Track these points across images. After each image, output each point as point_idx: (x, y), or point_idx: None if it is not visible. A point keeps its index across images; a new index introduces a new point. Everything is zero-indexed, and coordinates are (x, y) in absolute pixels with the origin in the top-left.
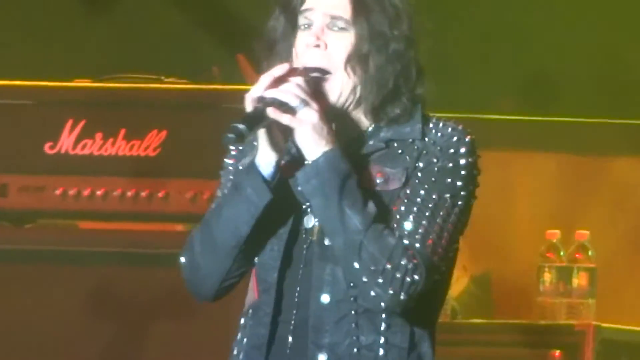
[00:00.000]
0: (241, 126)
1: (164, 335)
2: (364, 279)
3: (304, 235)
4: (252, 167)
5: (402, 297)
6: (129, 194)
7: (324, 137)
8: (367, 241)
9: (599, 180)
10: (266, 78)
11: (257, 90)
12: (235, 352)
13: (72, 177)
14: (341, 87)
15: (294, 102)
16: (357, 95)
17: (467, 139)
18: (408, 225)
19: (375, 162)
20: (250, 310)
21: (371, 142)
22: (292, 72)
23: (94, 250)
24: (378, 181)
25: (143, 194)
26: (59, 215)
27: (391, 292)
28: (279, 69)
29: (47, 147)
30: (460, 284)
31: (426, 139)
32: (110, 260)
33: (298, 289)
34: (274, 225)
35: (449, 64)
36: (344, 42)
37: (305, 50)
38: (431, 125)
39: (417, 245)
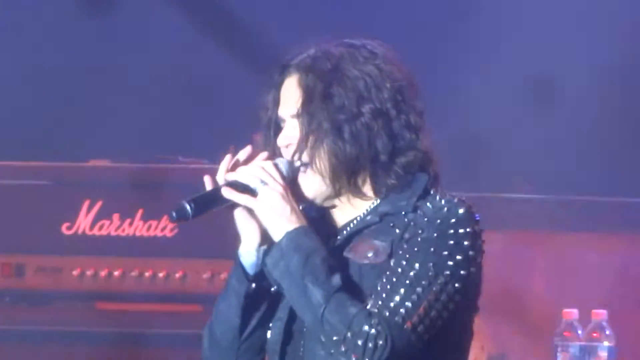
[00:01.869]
0: (188, 206)
1: None
2: (331, 351)
3: None
4: (236, 257)
5: None
6: (147, 274)
7: (285, 217)
8: (328, 313)
9: (610, 258)
10: (228, 161)
11: (218, 173)
12: None
13: (90, 257)
14: (313, 182)
15: (253, 183)
16: (330, 182)
17: (460, 211)
18: (384, 295)
19: (368, 236)
20: None
21: (369, 217)
22: (260, 155)
23: (111, 330)
24: (369, 255)
25: (160, 274)
26: (76, 296)
27: (354, 359)
28: (244, 152)
29: (64, 228)
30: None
31: (418, 212)
32: (128, 341)
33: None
34: (274, 309)
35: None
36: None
37: (283, 151)
38: (428, 198)
39: (386, 312)
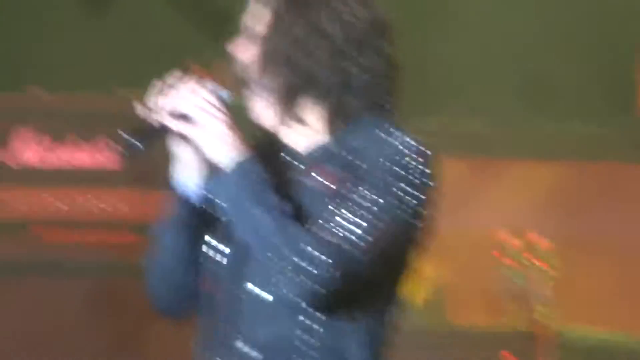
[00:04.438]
0: (137, 142)
1: (127, 342)
2: (279, 275)
3: None
4: (177, 185)
5: (316, 289)
6: (85, 203)
7: (230, 145)
8: (276, 239)
9: (559, 186)
10: (161, 88)
11: (152, 100)
12: (195, 351)
13: (22, 186)
14: (263, 106)
15: (196, 112)
16: (283, 104)
17: (413, 143)
18: (336, 223)
19: (322, 162)
20: (204, 306)
21: (326, 145)
22: (190, 81)
23: (48, 259)
24: (322, 181)
25: (106, 204)
26: (11, 224)
27: (303, 285)
28: (174, 78)
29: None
30: (421, 289)
31: (374, 143)
32: (65, 271)
33: (241, 287)
34: (215, 234)
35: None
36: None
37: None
38: (388, 134)
39: (336, 240)
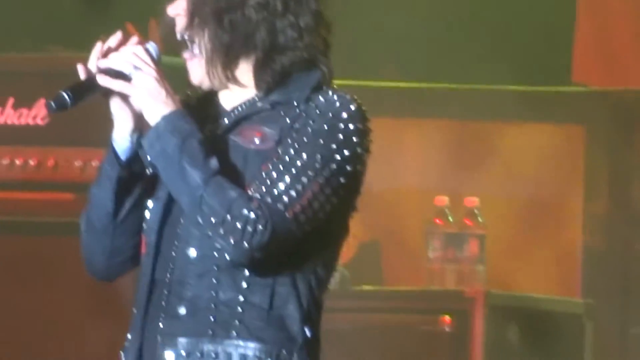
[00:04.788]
0: (66, 95)
1: (51, 303)
2: (209, 233)
3: None
4: (109, 143)
5: (244, 246)
6: (18, 162)
7: (162, 101)
8: (207, 195)
9: (488, 147)
10: (100, 47)
11: (90, 60)
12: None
13: None
14: (198, 64)
15: (127, 69)
16: (214, 63)
17: (351, 106)
18: (268, 181)
19: (256, 122)
20: (142, 272)
21: (259, 104)
22: (131, 41)
23: None
24: (256, 140)
25: (32, 162)
26: None
27: (232, 241)
28: (114, 39)
29: None
30: (350, 250)
31: (310, 103)
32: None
33: (174, 245)
34: (150, 193)
35: (338, 32)
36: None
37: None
38: (320, 92)
39: (269, 198)
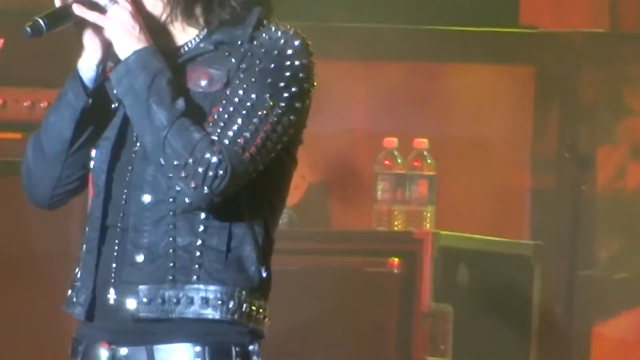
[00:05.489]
0: (41, 21)
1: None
2: (169, 175)
3: (133, 137)
4: (75, 71)
5: (205, 190)
6: None
7: (134, 36)
8: (171, 136)
9: (437, 88)
10: None
11: None
12: (78, 258)
13: None
14: None
15: (102, 0)
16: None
17: (295, 42)
18: (221, 124)
19: (201, 64)
20: (91, 214)
21: (202, 45)
22: None
23: None
24: (202, 83)
25: None
26: None
27: (193, 185)
28: None
29: None
30: (299, 192)
31: (254, 42)
32: None
33: (125, 191)
34: (103, 129)
35: None
36: None
37: None
38: (263, 29)
39: (226, 141)
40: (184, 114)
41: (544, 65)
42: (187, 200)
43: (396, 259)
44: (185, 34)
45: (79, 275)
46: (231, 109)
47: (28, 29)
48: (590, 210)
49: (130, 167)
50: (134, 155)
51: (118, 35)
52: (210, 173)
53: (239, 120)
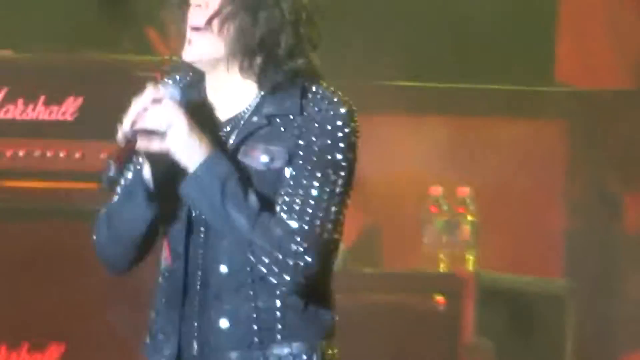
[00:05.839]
0: (112, 174)
1: (91, 285)
2: (263, 269)
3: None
4: (141, 181)
5: (298, 279)
6: (49, 154)
7: (196, 149)
8: (256, 238)
9: (478, 141)
10: (135, 108)
11: (126, 124)
12: (153, 312)
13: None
14: (208, 44)
15: (161, 127)
16: (224, 54)
17: (342, 111)
18: (296, 208)
19: (260, 141)
20: (166, 274)
21: (255, 119)
22: (148, 93)
23: (15, 206)
24: (264, 160)
25: (62, 154)
26: None
27: (288, 278)
28: (147, 96)
29: None
30: (353, 235)
31: (305, 114)
32: (30, 215)
33: (201, 252)
34: (179, 202)
35: (335, 33)
36: (216, 2)
37: (191, 10)
38: (310, 97)
39: (305, 227)
40: (260, 212)
41: (577, 119)
42: (284, 289)
43: (441, 298)
44: (234, 101)
45: (158, 327)
46: (301, 192)
47: (105, 185)
48: (621, 250)
49: (202, 235)
50: (207, 228)
51: (182, 154)
52: (301, 263)
53: (311, 202)
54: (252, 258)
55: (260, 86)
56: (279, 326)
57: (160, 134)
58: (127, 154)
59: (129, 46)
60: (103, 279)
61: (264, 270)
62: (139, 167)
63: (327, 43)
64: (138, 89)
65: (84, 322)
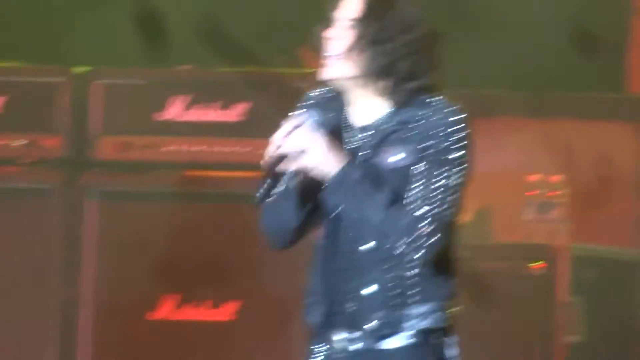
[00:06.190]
0: (262, 190)
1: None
2: (397, 252)
3: None
4: (292, 190)
5: (429, 256)
6: (225, 150)
7: (333, 161)
8: (387, 227)
9: (566, 139)
10: (279, 134)
11: (272, 149)
12: (310, 279)
13: (180, 137)
14: (342, 68)
15: (303, 147)
16: (357, 76)
17: (459, 117)
18: (421, 201)
19: (390, 144)
20: (321, 249)
21: (386, 126)
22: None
23: (197, 191)
24: (393, 160)
25: (234, 150)
26: (170, 165)
27: (421, 256)
28: (290, 124)
29: (160, 116)
30: (468, 216)
31: (426, 121)
32: (209, 200)
33: (351, 235)
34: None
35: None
36: (350, 34)
37: (328, 38)
38: (430, 107)
39: (431, 212)
40: (390, 204)
41: None
42: (418, 265)
43: (540, 263)
44: (369, 113)
45: (314, 292)
46: (426, 184)
47: (257, 202)
48: None
49: (352, 229)
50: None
51: (321, 166)
52: (429, 242)
53: (435, 192)
54: (386, 244)
55: (389, 101)
56: (415, 290)
57: (302, 154)
58: (275, 174)
59: (285, 62)
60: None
61: (398, 252)
62: (289, 178)
63: (446, 55)
64: (293, 97)
65: (256, 284)
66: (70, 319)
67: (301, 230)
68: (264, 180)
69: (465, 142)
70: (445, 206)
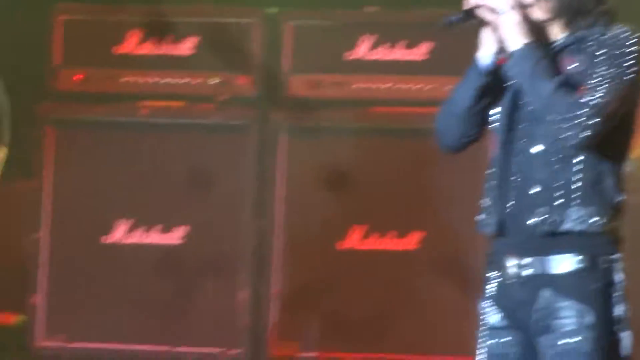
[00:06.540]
0: (454, 17)
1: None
2: (557, 127)
3: (523, 105)
4: (474, 60)
5: (584, 134)
6: (405, 86)
7: (522, 33)
8: (555, 100)
9: None
10: None
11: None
12: (486, 193)
13: (365, 75)
14: (537, 9)
15: (501, 8)
16: (553, 15)
17: (633, 37)
18: (588, 90)
19: (569, 54)
20: (494, 162)
21: (569, 39)
22: None
23: (378, 126)
24: (571, 66)
25: (417, 87)
26: (355, 102)
27: (576, 133)
28: None
29: (348, 54)
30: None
31: (606, 36)
32: (386, 134)
33: (524, 141)
34: (499, 100)
35: None
36: None
37: None
38: (611, 28)
39: (593, 101)
40: (560, 86)
41: None
42: (573, 142)
43: None
44: (556, 35)
45: (487, 204)
46: (594, 81)
47: (442, 21)
48: None
49: (518, 125)
50: (525, 117)
51: (509, 34)
52: (588, 122)
53: (600, 89)
54: (549, 118)
55: (572, 30)
56: (578, 193)
57: (497, 13)
58: (468, 15)
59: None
60: (452, 183)
61: (557, 126)
62: (478, 53)
63: None
64: (474, 36)
65: (439, 215)
66: (263, 248)
67: (473, 120)
68: (459, 13)
69: (637, 57)
70: (610, 99)
